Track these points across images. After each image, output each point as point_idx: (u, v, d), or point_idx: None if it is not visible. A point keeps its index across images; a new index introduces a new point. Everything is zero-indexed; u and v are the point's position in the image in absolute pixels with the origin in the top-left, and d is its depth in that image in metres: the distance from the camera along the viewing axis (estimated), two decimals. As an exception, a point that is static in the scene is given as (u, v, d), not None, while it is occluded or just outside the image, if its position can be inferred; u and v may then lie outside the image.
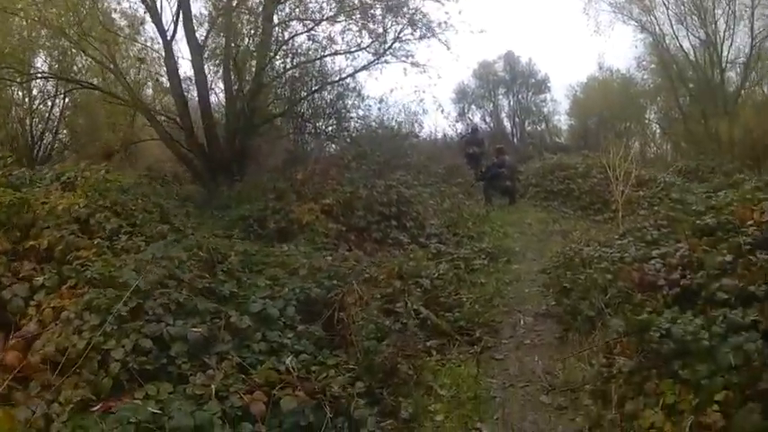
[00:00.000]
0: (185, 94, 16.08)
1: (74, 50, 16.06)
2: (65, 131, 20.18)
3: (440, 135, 28.08)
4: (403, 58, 16.32)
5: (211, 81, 16.70)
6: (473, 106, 28.73)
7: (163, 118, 16.17)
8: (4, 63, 14.30)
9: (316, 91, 17.60)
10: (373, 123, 19.20)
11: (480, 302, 8.20)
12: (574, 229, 13.33)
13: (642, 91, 26.45)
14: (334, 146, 17.52)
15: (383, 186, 12.55)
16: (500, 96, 28.49)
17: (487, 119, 28.45)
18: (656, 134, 27.84)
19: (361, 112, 18.63)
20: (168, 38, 14.70)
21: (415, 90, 16.69)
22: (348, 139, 16.88)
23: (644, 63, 25.68)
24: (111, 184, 9.22)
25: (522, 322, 7.83)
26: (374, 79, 21.07)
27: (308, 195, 12.18)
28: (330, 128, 17.29)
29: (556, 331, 7.32)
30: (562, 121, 30.60)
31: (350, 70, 17.44)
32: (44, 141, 19.15)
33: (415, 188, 14.34)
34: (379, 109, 18.84)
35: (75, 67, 17.55)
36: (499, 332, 7.53)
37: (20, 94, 17.93)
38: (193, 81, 16.34)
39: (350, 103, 18.48)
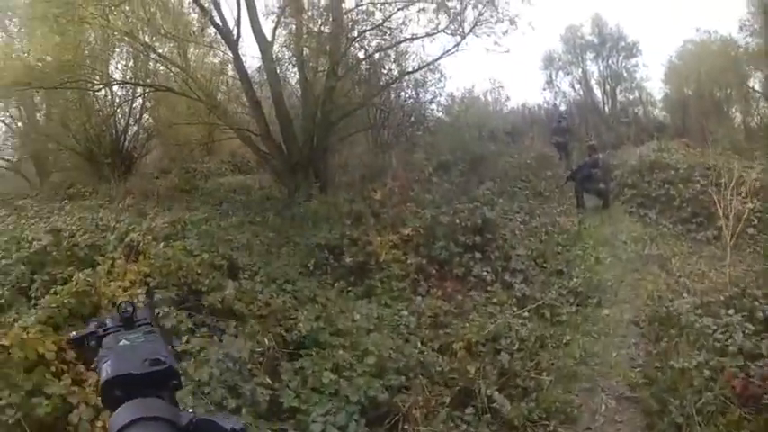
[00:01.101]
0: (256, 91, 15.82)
1: (143, 55, 16.37)
2: (149, 120, 20.52)
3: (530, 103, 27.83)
4: (485, 37, 15.13)
5: (282, 78, 16.26)
6: (561, 73, 26.96)
7: (237, 117, 16.22)
8: (78, 74, 14.74)
9: (395, 81, 16.86)
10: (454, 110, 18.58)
11: (562, 379, 7.78)
12: (673, 254, 12.55)
13: (745, 55, 24.05)
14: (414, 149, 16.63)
15: (467, 210, 12.04)
16: (588, 61, 26.50)
17: (576, 86, 26.78)
18: (760, 103, 25.35)
19: (442, 101, 18.02)
20: (234, 36, 14.49)
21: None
22: (428, 137, 16.21)
23: (746, 24, 23.35)
24: (176, 250, 9.28)
25: (603, 407, 7.37)
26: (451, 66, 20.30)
27: (387, 220, 11.74)
28: (409, 122, 16.48)
29: (639, 426, 6.82)
30: (656, 89, 28.86)
31: (428, 58, 16.76)
32: (128, 133, 19.40)
33: (502, 205, 13.79)
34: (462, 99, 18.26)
35: (150, 66, 17.71)
36: (577, 421, 7.12)
37: (102, 93, 18.04)
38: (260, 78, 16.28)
39: (430, 91, 17.91)
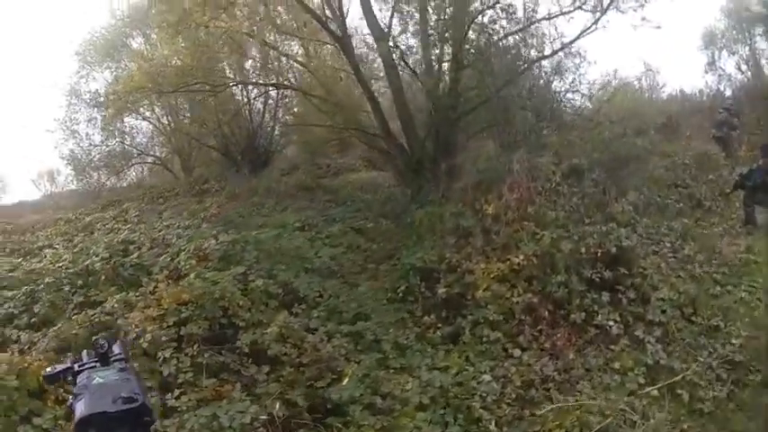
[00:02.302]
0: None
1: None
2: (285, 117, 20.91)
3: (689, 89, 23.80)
4: (631, 12, 12.69)
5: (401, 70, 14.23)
6: (724, 52, 22.88)
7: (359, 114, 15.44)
8: (205, 76, 15.20)
9: (525, 69, 14.23)
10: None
11: None
12: None
13: None
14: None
15: (598, 234, 9.40)
16: (757, 37, 22.34)
17: (743, 67, 22.65)
18: None
19: (583, 90, 15.21)
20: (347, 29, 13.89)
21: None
22: (558, 135, 13.41)
23: None
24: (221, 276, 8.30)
25: None
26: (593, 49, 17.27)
27: (497, 242, 9.46)
28: (540, 118, 13.76)
29: None
30: None
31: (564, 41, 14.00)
32: (263, 129, 19.83)
33: (646, 226, 10.90)
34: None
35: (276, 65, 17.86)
36: None
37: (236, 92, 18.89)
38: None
39: (568, 80, 15.00)
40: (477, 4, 13.33)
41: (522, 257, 8.98)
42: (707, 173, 15.06)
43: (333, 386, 6.91)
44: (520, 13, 13.50)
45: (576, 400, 7.00)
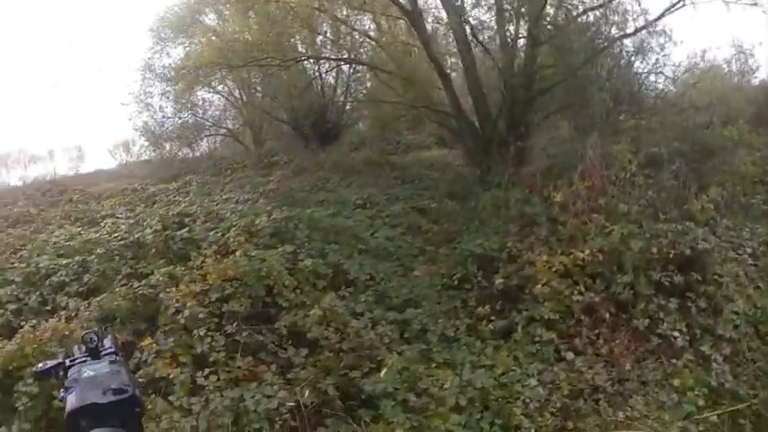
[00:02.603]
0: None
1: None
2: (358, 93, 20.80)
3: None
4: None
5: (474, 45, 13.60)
6: None
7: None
8: (265, 53, 15.17)
9: (606, 47, 13.39)
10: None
11: None
12: None
13: None
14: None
15: (672, 232, 8.65)
16: None
17: None
18: None
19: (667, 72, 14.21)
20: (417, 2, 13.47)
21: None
22: (638, 121, 12.34)
23: None
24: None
25: None
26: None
27: (563, 234, 8.86)
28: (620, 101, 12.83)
29: None
30: None
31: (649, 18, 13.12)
32: (334, 104, 19.80)
33: (727, 227, 9.87)
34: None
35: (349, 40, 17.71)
36: None
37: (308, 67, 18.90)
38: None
39: (651, 61, 14.01)
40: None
41: (587, 252, 8.32)
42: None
43: (370, 376, 6.57)
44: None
45: (627, 417, 6.48)
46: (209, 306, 7.09)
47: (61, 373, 1.65)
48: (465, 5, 13.16)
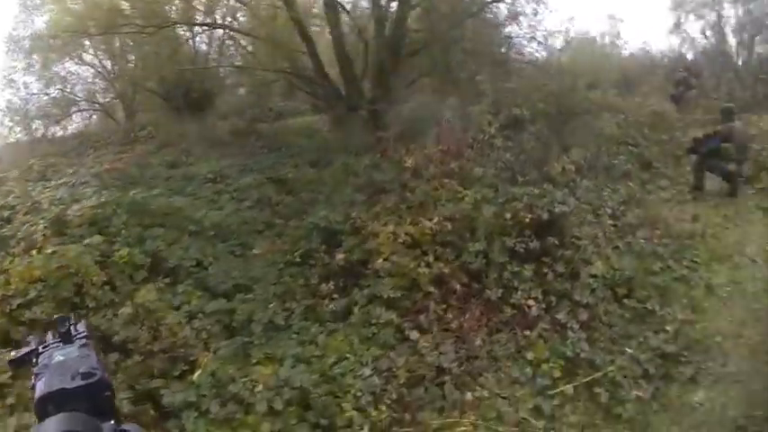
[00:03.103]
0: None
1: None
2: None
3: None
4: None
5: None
6: (691, 16, 21.75)
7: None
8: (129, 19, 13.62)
9: (475, 12, 12.86)
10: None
11: None
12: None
13: None
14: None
15: (529, 195, 7.96)
16: (726, 4, 21.22)
17: (708, 32, 21.63)
18: None
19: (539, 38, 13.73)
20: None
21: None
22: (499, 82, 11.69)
23: None
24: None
25: None
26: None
27: (414, 201, 7.99)
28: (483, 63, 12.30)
29: None
30: None
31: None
32: (208, 71, 17.54)
33: (588, 188, 9.38)
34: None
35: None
36: None
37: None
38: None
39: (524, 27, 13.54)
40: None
41: (435, 221, 7.52)
42: (660, 133, 13.71)
43: (183, 380, 5.49)
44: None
45: (475, 398, 5.68)
46: (13, 314, 5.82)
47: (35, 359, 1.56)
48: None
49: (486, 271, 7.16)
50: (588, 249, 7.58)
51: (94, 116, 21.29)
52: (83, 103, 20.10)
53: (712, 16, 21.37)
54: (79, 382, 1.41)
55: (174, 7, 15.50)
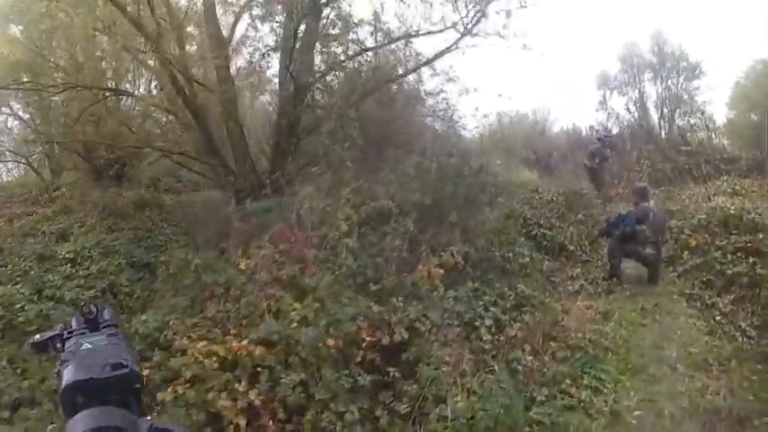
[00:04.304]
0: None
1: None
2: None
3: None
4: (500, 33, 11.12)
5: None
6: (615, 93, 21.95)
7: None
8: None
9: (371, 90, 11.36)
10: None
11: None
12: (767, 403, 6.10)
13: None
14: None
15: (375, 312, 6.05)
16: (647, 82, 21.82)
17: (631, 108, 21.72)
18: None
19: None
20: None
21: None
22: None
23: None
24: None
25: None
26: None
27: (238, 313, 6.17)
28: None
29: None
30: (720, 114, 23.89)
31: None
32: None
33: (467, 291, 7.27)
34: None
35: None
36: None
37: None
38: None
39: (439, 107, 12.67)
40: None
41: (255, 339, 5.54)
42: (578, 212, 11.99)
43: None
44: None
45: None
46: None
47: (59, 345, 1.45)
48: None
49: (306, 408, 5.10)
50: (444, 381, 5.48)
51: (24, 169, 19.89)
52: (11, 155, 19.02)
53: (635, 93, 21.71)
54: (109, 373, 1.28)
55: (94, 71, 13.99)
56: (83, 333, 1.44)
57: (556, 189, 13.15)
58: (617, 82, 22.05)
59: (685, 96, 21.18)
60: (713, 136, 20.41)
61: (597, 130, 18.68)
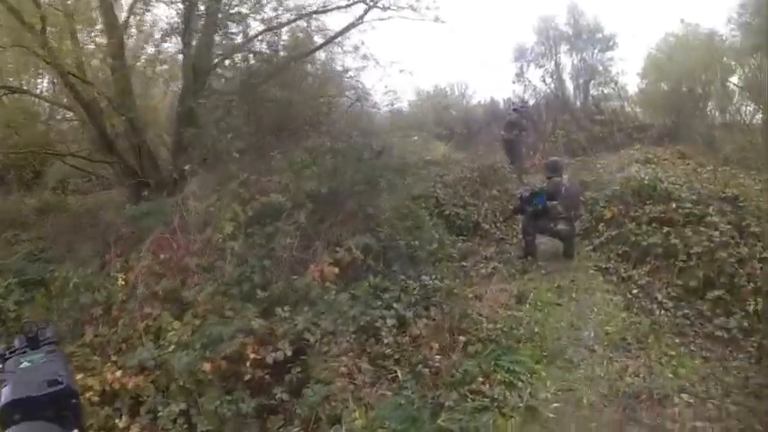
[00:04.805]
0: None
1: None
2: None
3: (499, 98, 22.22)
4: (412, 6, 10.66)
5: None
6: (532, 65, 21.71)
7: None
8: None
9: (270, 75, 10.43)
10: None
11: None
12: (686, 378, 5.94)
13: (729, 50, 19.20)
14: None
15: (261, 324, 5.45)
16: (562, 54, 21.82)
17: (548, 79, 21.52)
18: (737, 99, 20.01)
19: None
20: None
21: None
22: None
23: (734, 17, 18.50)
24: None
25: None
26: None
27: (116, 336, 5.39)
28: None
29: None
30: (632, 84, 23.15)
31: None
32: None
33: (353, 299, 6.35)
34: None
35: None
36: None
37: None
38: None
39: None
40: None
41: (119, 373, 4.80)
42: (491, 187, 11.50)
43: None
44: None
45: None
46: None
47: (1, 364, 1.44)
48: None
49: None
50: (339, 397, 4.86)
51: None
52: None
53: (551, 65, 21.57)
54: (45, 390, 1.30)
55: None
56: (24, 352, 1.45)
57: (469, 165, 12.60)
58: (533, 54, 21.90)
59: (600, 67, 21.32)
60: (626, 105, 20.72)
61: (514, 102, 18.35)
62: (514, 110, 15.08)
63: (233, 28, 10.44)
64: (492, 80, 42.99)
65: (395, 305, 6.29)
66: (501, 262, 8.91)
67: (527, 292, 7.75)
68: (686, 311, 7.17)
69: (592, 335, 6.80)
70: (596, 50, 21.34)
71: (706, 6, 37.38)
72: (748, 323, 6.69)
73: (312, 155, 7.87)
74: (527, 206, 9.25)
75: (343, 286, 6.29)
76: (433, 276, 7.25)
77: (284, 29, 11.18)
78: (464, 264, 8.46)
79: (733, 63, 19.32)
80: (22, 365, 1.39)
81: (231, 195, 6.99)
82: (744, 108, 19.48)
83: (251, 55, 10.89)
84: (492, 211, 10.69)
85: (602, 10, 33.20)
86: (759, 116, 18.42)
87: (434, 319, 6.27)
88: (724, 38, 19.17)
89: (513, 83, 21.65)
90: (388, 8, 10.78)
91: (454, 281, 7.55)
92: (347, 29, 11.09)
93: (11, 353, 1.46)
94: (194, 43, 10.18)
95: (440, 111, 20.79)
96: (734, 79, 19.40)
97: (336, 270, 6.23)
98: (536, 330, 6.79)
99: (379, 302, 6.26)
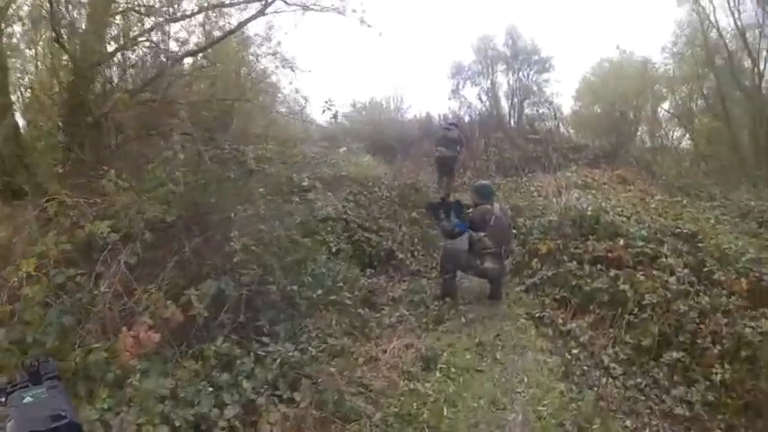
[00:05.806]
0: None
1: None
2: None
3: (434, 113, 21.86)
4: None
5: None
6: (468, 83, 22.07)
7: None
8: None
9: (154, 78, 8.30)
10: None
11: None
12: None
13: (662, 77, 20.78)
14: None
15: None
16: (499, 73, 22.28)
17: (483, 97, 21.88)
18: (666, 125, 21.93)
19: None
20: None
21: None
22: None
23: (668, 47, 20.22)
24: None
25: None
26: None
27: None
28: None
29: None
30: (566, 105, 24.39)
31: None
32: None
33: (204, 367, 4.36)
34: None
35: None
36: None
37: None
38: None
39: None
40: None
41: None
42: (411, 209, 9.80)
43: None
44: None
45: None
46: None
47: (2, 399, 1.46)
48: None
49: None
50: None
51: None
52: None
53: (487, 83, 21.93)
54: (49, 425, 1.31)
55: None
56: (26, 386, 1.46)
57: (389, 182, 10.80)
58: (470, 72, 22.15)
59: (535, 88, 21.66)
60: (560, 125, 20.78)
61: (448, 118, 18.14)
62: (454, 125, 13.70)
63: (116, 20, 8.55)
64: (429, 96, 42.88)
65: (245, 384, 4.25)
66: (412, 306, 7.00)
67: (439, 352, 5.85)
68: (638, 380, 5.43)
69: (519, 419, 4.91)
70: (532, 71, 21.63)
71: (641, 35, 38.19)
72: (714, 396, 4.92)
73: (167, 169, 5.75)
74: (449, 234, 7.42)
75: (168, 358, 4.22)
76: (314, 334, 5.24)
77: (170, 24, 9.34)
78: (362, 311, 6.45)
79: (665, 90, 20.73)
80: (25, 400, 1.39)
81: (40, 223, 4.87)
82: (671, 133, 21.19)
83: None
84: (410, 237, 8.90)
85: (540, 33, 33.91)
86: (686, 142, 20.30)
87: (299, 405, 4.24)
88: (657, 66, 20.43)
89: (449, 99, 21.93)
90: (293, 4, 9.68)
91: (343, 338, 5.56)
92: (245, 22, 9.79)
93: (12, 387, 1.46)
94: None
95: (375, 123, 20.59)
96: (665, 105, 20.89)
97: (157, 337, 4.14)
98: (445, 414, 4.86)
99: (223, 381, 4.20)
